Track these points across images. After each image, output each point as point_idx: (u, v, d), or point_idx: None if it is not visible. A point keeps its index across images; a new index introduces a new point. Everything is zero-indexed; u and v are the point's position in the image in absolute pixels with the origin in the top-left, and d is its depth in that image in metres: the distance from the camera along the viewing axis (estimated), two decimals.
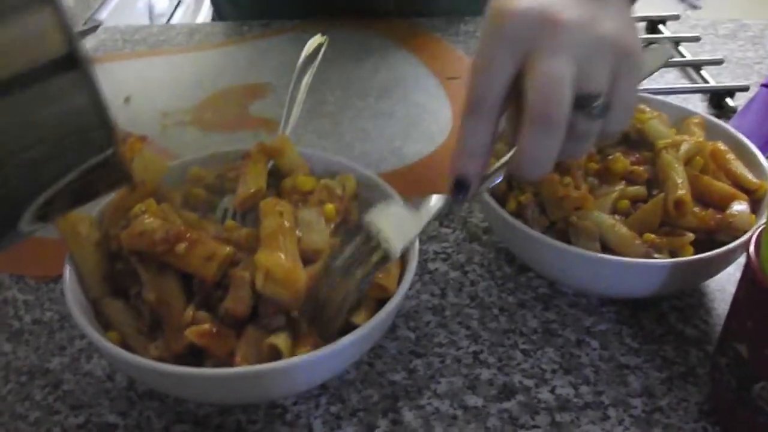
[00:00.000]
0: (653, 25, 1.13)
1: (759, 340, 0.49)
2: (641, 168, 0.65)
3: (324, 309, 0.52)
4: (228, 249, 0.55)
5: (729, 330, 0.53)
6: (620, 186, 0.65)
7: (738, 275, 0.53)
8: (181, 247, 0.54)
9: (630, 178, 0.65)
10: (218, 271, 0.54)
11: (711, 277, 0.64)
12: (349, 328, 0.53)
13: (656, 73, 0.73)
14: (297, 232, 0.58)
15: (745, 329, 0.50)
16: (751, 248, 0.51)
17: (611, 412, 0.56)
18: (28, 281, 0.69)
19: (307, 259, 0.56)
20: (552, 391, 0.58)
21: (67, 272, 0.57)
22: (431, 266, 0.70)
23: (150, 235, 0.55)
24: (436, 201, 0.55)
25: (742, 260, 0.53)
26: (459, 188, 0.54)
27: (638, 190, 0.64)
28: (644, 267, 0.58)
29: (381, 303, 0.55)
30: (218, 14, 1.30)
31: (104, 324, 0.56)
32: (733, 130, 0.71)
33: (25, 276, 0.70)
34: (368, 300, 0.56)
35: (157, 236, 0.55)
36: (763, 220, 0.60)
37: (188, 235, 0.55)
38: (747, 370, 0.51)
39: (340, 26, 1.11)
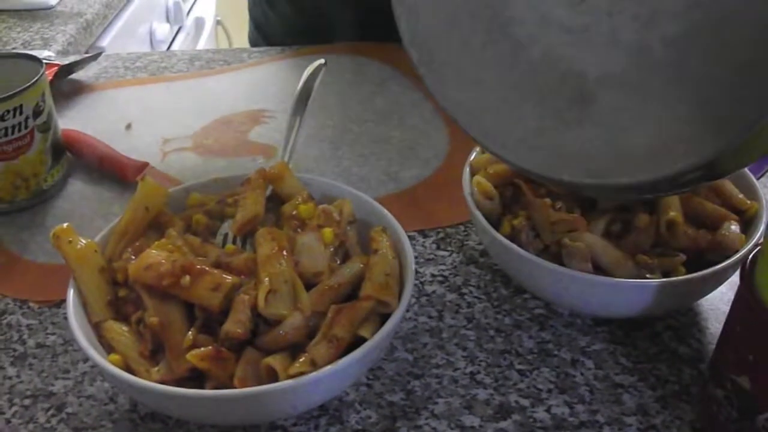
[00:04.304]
0: None
1: (762, 370, 0.49)
2: None
3: None
4: (233, 279, 0.56)
5: (724, 362, 0.53)
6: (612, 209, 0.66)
7: (731, 295, 0.53)
8: (187, 279, 0.56)
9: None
10: (224, 301, 0.56)
11: (703, 296, 0.65)
12: (356, 341, 0.54)
13: None
14: (296, 256, 0.59)
15: (745, 361, 0.50)
16: (746, 276, 0.50)
17: (606, 430, 0.57)
18: (31, 306, 0.70)
19: (307, 282, 0.58)
20: (548, 411, 0.59)
21: (71, 296, 0.58)
22: (428, 289, 0.71)
23: (157, 268, 0.56)
24: None
25: (734, 279, 0.54)
26: None
27: (630, 214, 0.65)
28: (635, 287, 0.59)
29: (385, 317, 0.56)
30: (260, 33, 1.33)
31: (106, 347, 0.57)
32: None
33: (28, 301, 0.71)
34: (373, 315, 0.57)
35: (164, 269, 0.56)
36: (753, 241, 0.61)
37: (194, 266, 0.56)
38: (750, 401, 0.50)
39: (337, 52, 1.12)
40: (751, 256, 0.52)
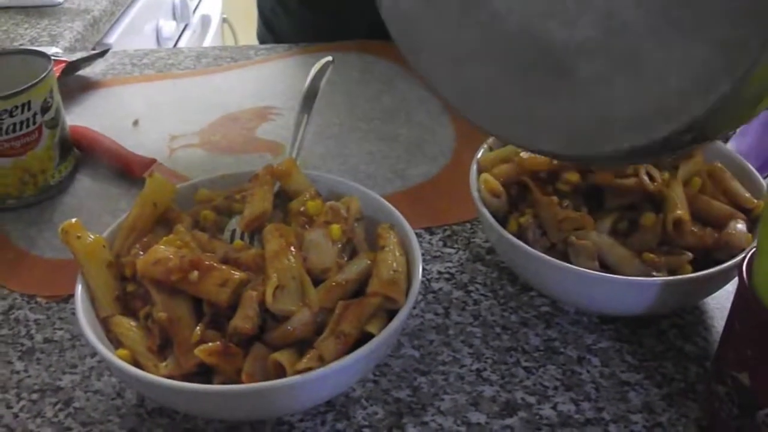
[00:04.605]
0: None
1: (761, 367, 0.50)
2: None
3: None
4: (241, 275, 0.57)
5: (725, 359, 0.53)
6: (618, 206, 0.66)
7: None
8: (195, 274, 0.56)
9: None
10: (231, 297, 0.56)
11: (709, 294, 0.65)
12: (363, 338, 0.54)
13: None
14: (304, 252, 0.59)
15: (744, 357, 0.51)
16: (744, 273, 0.51)
17: (612, 428, 0.57)
18: (39, 301, 0.70)
19: (315, 278, 0.58)
20: (554, 408, 0.59)
21: (79, 291, 0.58)
22: (435, 286, 0.71)
23: (165, 264, 0.56)
24: None
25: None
26: None
27: (636, 212, 0.66)
28: (640, 285, 0.59)
29: (392, 314, 0.56)
30: (269, 29, 1.33)
31: (114, 342, 0.57)
32: (730, 150, 0.72)
33: (35, 296, 0.71)
34: (380, 311, 0.57)
35: (172, 264, 0.56)
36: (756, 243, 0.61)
37: (202, 262, 0.57)
38: (750, 397, 0.51)
39: (344, 50, 1.12)
40: (749, 255, 0.52)
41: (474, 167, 0.70)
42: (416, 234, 0.63)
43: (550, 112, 0.51)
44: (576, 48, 0.49)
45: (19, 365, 0.64)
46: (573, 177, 0.66)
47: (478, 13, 0.53)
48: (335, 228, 0.61)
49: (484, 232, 0.76)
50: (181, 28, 2.13)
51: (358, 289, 0.59)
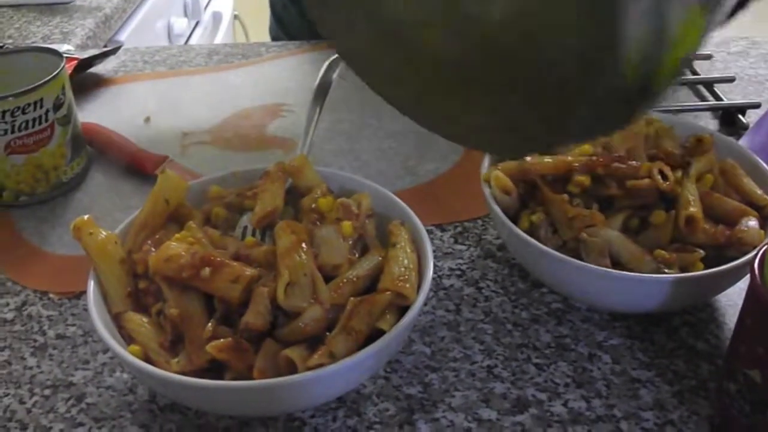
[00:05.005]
0: None
1: None
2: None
3: None
4: (252, 271, 0.57)
5: (737, 356, 0.53)
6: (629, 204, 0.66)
7: None
8: (206, 271, 0.56)
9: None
10: (243, 293, 0.56)
11: (720, 292, 0.65)
12: (374, 334, 0.54)
13: None
14: (315, 249, 0.59)
15: (756, 354, 0.50)
16: (756, 270, 0.50)
17: (623, 425, 0.57)
18: (51, 297, 0.71)
19: (326, 274, 0.58)
20: (565, 405, 0.59)
21: (91, 288, 0.58)
22: (446, 282, 0.71)
23: (177, 260, 0.57)
24: None
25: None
26: None
27: (648, 211, 0.65)
28: (652, 282, 0.59)
29: (403, 310, 0.57)
30: (281, 26, 1.33)
31: (126, 339, 0.57)
32: (743, 147, 0.72)
33: (48, 292, 0.71)
34: (391, 308, 0.57)
35: (183, 261, 0.56)
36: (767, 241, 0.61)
37: (213, 259, 0.57)
38: (761, 395, 0.51)
39: None
40: (761, 252, 0.52)
41: (485, 164, 0.70)
42: (427, 231, 0.63)
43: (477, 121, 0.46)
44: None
45: (31, 361, 0.64)
46: (585, 180, 0.66)
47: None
48: (346, 225, 0.61)
49: (495, 228, 0.76)
50: (193, 25, 2.14)
51: (369, 286, 0.59)
